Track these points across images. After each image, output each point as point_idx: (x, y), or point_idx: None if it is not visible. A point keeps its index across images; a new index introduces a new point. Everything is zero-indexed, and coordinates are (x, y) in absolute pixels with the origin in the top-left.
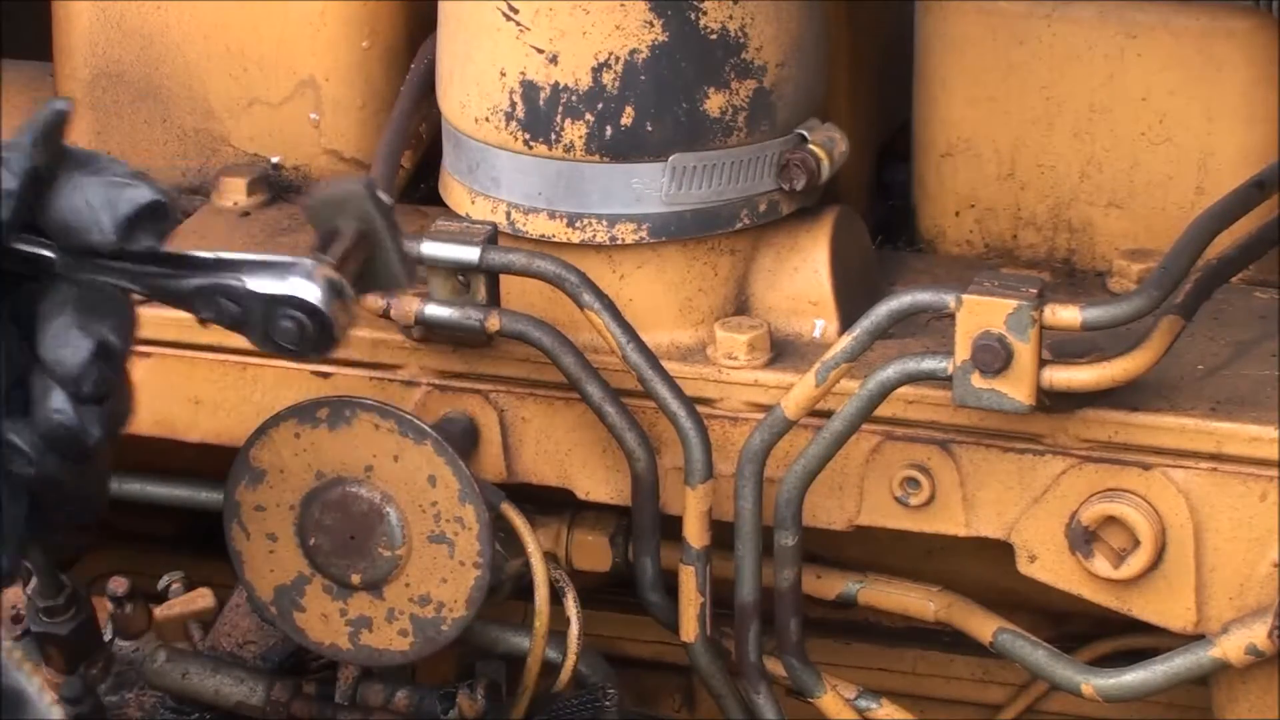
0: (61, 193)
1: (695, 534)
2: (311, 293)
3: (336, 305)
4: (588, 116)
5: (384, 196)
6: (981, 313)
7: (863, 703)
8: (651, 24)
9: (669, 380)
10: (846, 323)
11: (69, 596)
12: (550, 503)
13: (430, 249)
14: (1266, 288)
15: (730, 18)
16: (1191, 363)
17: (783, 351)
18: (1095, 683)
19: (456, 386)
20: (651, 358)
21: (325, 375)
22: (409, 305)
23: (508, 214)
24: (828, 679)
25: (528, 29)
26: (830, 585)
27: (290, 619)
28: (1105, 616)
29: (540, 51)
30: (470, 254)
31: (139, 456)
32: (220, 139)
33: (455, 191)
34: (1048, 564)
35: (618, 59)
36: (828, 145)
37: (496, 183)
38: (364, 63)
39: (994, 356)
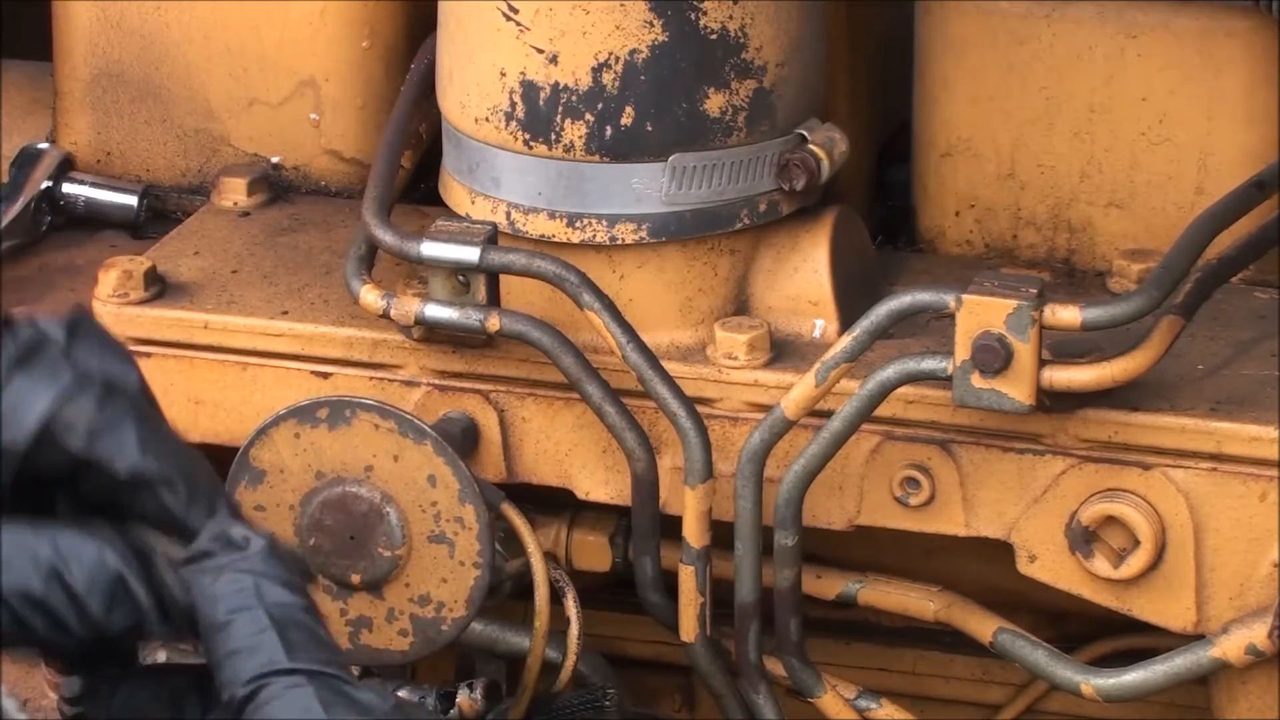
0: None
1: (695, 534)
2: None
3: None
4: (588, 116)
5: None
6: (981, 313)
7: (863, 703)
8: (651, 24)
9: (669, 380)
10: (846, 323)
11: None
12: (550, 503)
13: (430, 249)
14: (1266, 288)
15: (730, 18)
16: (1191, 363)
17: (783, 351)
18: (1095, 683)
19: (456, 386)
20: (651, 358)
21: (325, 375)
22: (409, 305)
23: (508, 214)
24: (828, 679)
25: (528, 29)
26: (830, 585)
27: None
28: (1105, 616)
29: (540, 51)
30: (470, 254)
31: None
32: (220, 139)
33: (455, 191)
34: (1048, 564)
35: (618, 59)
36: (828, 145)
37: (496, 183)
38: (364, 63)
39: (994, 356)
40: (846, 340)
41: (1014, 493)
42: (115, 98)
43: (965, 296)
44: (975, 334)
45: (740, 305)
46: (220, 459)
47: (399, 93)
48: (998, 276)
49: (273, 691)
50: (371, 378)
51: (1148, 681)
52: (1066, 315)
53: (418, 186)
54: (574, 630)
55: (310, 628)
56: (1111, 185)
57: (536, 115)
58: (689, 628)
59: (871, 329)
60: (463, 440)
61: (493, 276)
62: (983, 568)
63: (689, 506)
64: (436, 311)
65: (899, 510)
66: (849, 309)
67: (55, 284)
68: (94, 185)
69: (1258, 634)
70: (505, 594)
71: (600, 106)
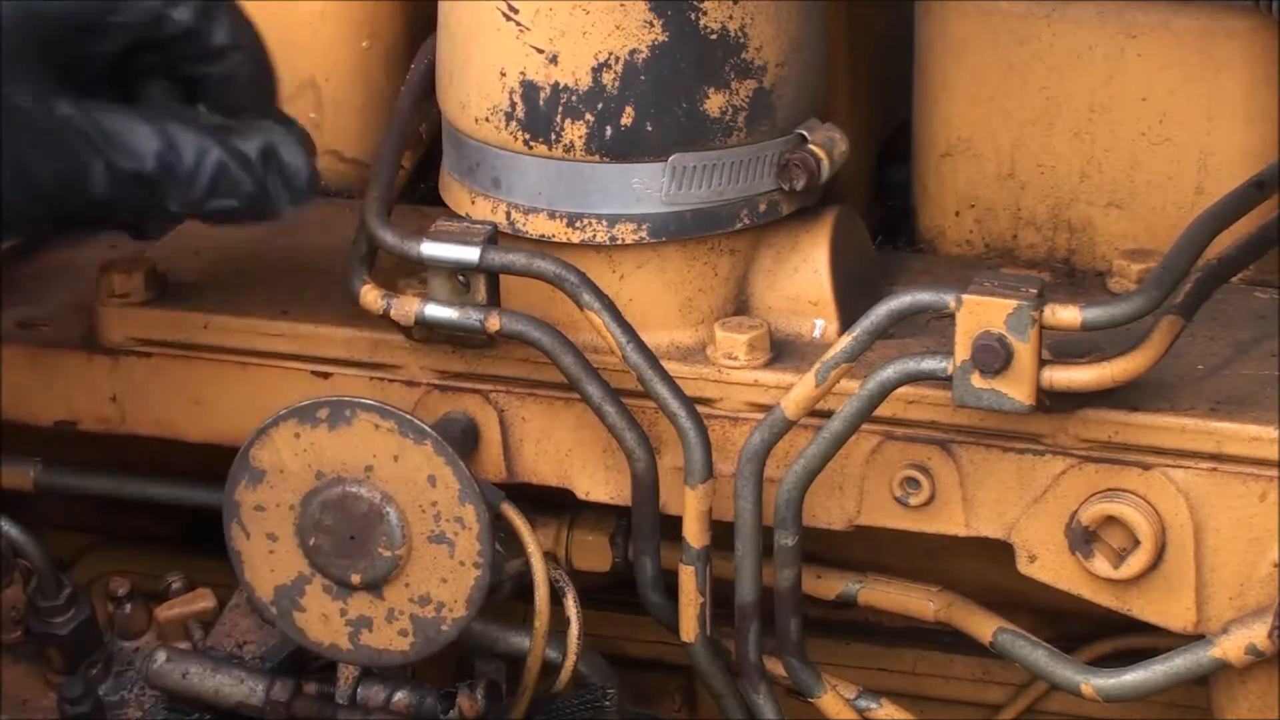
0: None
1: (695, 534)
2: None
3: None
4: (588, 116)
5: None
6: (981, 313)
7: (863, 703)
8: (651, 24)
9: (669, 380)
10: (846, 323)
11: (69, 596)
12: (550, 503)
13: (430, 249)
14: (1266, 288)
15: (730, 18)
16: (1191, 363)
17: (783, 351)
18: (1095, 683)
19: (456, 386)
20: (651, 358)
21: (325, 375)
22: (409, 305)
23: (508, 214)
24: (828, 679)
25: (528, 29)
26: (830, 585)
27: (290, 619)
28: (1105, 616)
29: (540, 51)
30: (470, 254)
31: (139, 456)
32: None
33: (455, 191)
34: (1048, 564)
35: (618, 59)
36: (828, 145)
37: (496, 183)
38: (364, 63)
39: (994, 356)
40: (846, 340)
41: (1014, 493)
42: None
43: (965, 296)
44: (975, 334)
45: (740, 305)
46: (220, 459)
47: (399, 93)
48: (998, 276)
49: None
50: (371, 378)
51: (1148, 681)
52: (1066, 315)
53: (418, 186)
54: (574, 630)
55: None
56: (1111, 185)
57: (536, 115)
58: (689, 628)
59: (871, 329)
60: (463, 440)
61: (493, 276)
62: (983, 568)
63: (689, 506)
64: (436, 311)
65: (899, 510)
66: (849, 309)
67: (55, 284)
68: None
69: (1258, 634)
70: (505, 594)
71: (600, 106)
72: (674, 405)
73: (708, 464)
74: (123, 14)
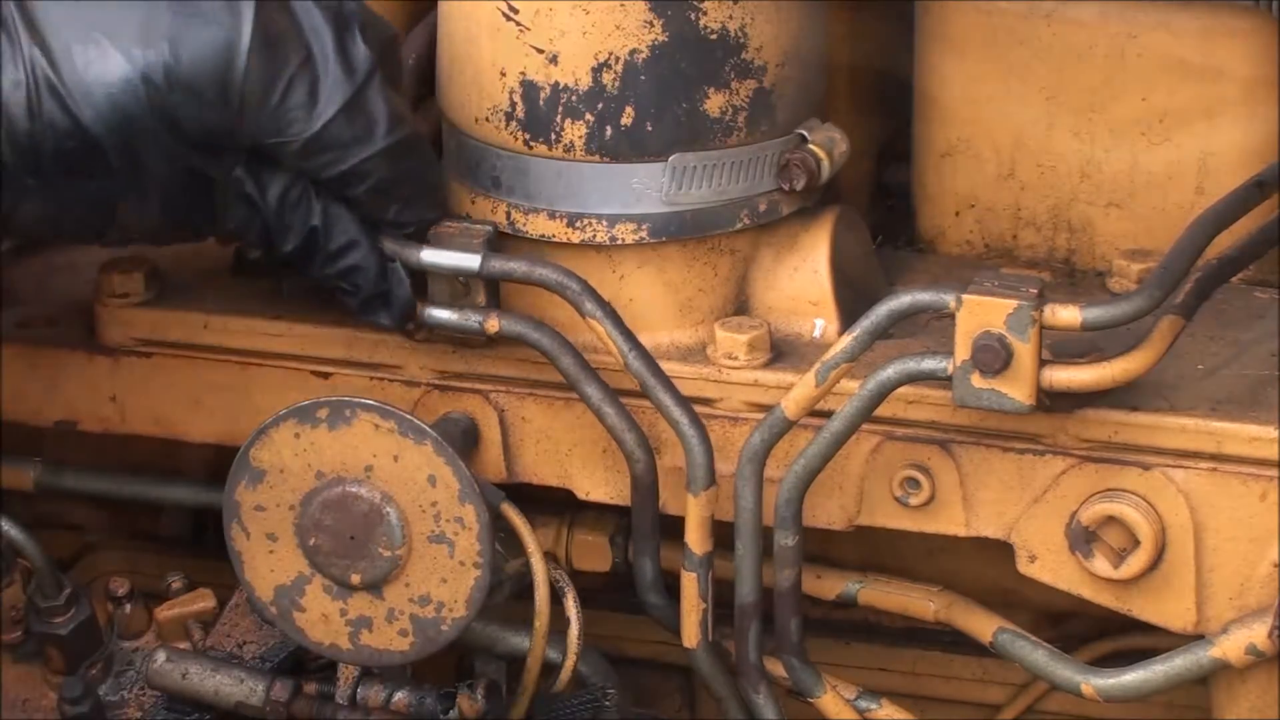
0: None
1: (697, 540)
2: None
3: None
4: (588, 116)
5: None
6: (981, 313)
7: (863, 703)
8: (651, 24)
9: (671, 388)
10: (846, 323)
11: (69, 596)
12: (550, 503)
13: (431, 256)
14: (1266, 288)
15: (730, 18)
16: (1191, 363)
17: (783, 351)
18: (1095, 683)
19: (456, 386)
20: (654, 365)
21: (325, 375)
22: None
23: (508, 214)
24: (828, 679)
25: (528, 29)
26: (830, 585)
27: (290, 619)
28: (1105, 616)
29: (540, 51)
30: (471, 261)
31: (139, 456)
32: None
33: (455, 191)
34: (1048, 564)
35: (618, 59)
36: (828, 145)
37: (496, 183)
38: None
39: (994, 356)
40: (846, 340)
41: (1014, 493)
42: None
43: (965, 296)
44: (975, 334)
45: (740, 305)
46: (221, 459)
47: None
48: (998, 276)
49: None
50: (371, 378)
51: (1148, 681)
52: (1066, 315)
53: None
54: (574, 630)
55: None
56: (1111, 185)
57: (536, 115)
58: (691, 633)
59: (871, 329)
60: (463, 440)
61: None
62: (983, 568)
63: (691, 513)
64: (436, 314)
65: (899, 510)
66: (849, 309)
67: (55, 284)
68: None
69: (1258, 634)
70: (505, 594)
71: (600, 106)
72: (676, 413)
73: (710, 471)
74: (327, 168)
